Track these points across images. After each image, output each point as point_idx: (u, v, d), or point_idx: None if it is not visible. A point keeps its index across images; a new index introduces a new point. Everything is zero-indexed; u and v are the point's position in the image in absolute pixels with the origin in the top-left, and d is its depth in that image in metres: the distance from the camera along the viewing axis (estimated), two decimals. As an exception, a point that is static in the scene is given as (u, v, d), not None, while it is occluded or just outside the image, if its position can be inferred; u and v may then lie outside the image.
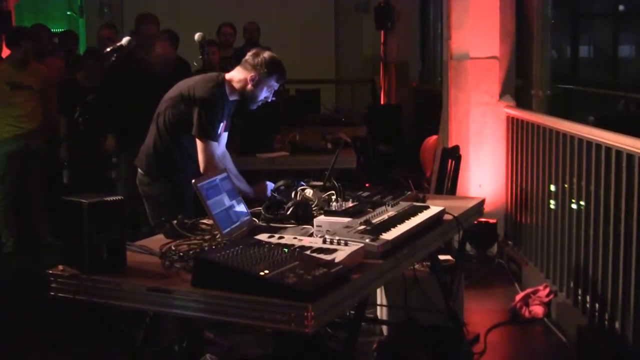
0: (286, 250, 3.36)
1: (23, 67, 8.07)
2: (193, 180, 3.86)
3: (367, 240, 3.60)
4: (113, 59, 6.71)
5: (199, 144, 4.79)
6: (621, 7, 9.62)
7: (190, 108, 4.81)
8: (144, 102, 5.58)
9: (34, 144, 8.19)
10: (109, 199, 3.41)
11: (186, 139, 4.89)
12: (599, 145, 5.27)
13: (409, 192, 4.78)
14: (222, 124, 4.86)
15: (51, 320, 5.91)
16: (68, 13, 16.35)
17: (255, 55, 4.88)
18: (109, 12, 14.65)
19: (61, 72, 8.77)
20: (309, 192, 4.53)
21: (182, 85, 4.96)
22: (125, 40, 6.52)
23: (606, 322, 5.18)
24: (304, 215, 4.18)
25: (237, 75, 4.91)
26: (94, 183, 7.50)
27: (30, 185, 8.32)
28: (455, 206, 4.66)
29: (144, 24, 7.86)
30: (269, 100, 5.02)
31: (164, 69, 7.06)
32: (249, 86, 4.86)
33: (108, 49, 6.72)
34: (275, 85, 4.96)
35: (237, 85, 4.89)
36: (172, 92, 5.00)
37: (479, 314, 6.15)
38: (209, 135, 4.78)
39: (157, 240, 3.94)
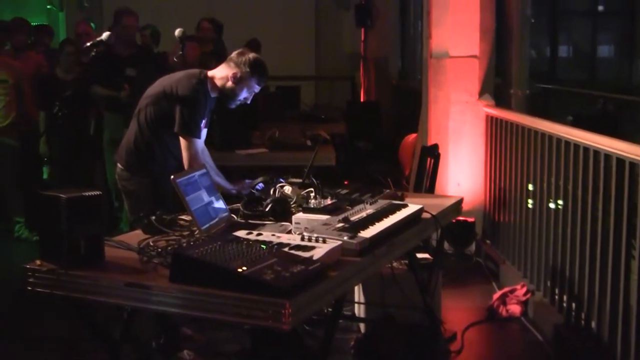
0: (264, 246, 3.36)
1: None
2: (172, 177, 3.85)
3: (345, 238, 3.60)
4: (93, 53, 6.68)
5: (182, 141, 4.78)
6: (600, 8, 9.66)
7: (173, 105, 4.79)
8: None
9: (5, 139, 8.13)
10: (87, 193, 3.40)
11: (168, 135, 4.88)
12: (577, 145, 5.29)
13: (388, 190, 4.80)
14: (203, 121, 4.85)
15: (29, 315, 5.88)
16: (48, 7, 16.25)
17: (241, 54, 4.89)
18: (89, 6, 14.55)
19: (39, 66, 8.68)
20: (287, 189, 4.53)
21: (165, 82, 4.95)
22: (105, 35, 6.48)
23: (582, 321, 5.20)
24: (282, 212, 4.18)
25: (219, 72, 4.90)
26: (75, 178, 7.47)
27: (2, 180, 8.26)
28: (433, 204, 4.67)
29: (124, 16, 7.84)
30: (248, 102, 5.01)
31: (124, 45, 7.07)
32: (229, 83, 4.85)
33: (88, 44, 6.69)
34: (256, 88, 4.94)
35: (218, 83, 4.88)
36: (154, 89, 4.98)
37: (456, 312, 6.15)
38: (192, 133, 4.77)
39: (135, 236, 3.93)
